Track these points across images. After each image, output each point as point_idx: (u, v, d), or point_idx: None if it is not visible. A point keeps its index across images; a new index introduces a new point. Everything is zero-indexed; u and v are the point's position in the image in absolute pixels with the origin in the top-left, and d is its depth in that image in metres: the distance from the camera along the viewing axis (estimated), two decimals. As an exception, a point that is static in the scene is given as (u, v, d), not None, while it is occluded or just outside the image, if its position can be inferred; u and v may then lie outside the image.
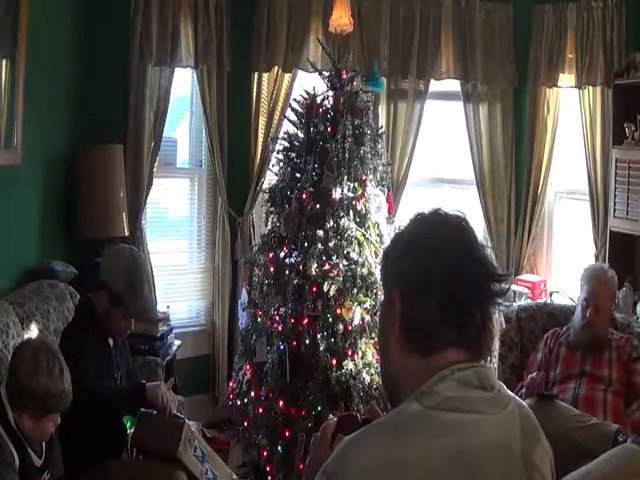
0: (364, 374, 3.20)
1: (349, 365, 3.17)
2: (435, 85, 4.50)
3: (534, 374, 3.10)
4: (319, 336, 3.20)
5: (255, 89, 4.37)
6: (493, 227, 4.54)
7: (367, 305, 3.27)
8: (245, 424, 3.39)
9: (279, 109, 4.35)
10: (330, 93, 3.49)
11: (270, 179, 4.09)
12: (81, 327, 2.63)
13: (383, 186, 3.58)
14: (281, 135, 3.79)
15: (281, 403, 3.21)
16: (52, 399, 2.07)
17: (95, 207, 3.74)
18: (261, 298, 3.45)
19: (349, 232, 3.28)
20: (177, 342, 4.05)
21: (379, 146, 3.60)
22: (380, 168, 3.56)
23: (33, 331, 2.80)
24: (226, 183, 4.37)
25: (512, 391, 1.16)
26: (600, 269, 3.34)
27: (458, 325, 1.07)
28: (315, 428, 2.60)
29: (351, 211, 3.33)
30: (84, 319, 2.66)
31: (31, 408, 2.06)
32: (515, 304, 3.87)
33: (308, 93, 3.51)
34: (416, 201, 4.58)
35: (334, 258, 3.26)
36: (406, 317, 1.09)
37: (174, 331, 4.05)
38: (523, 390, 3.09)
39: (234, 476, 2.86)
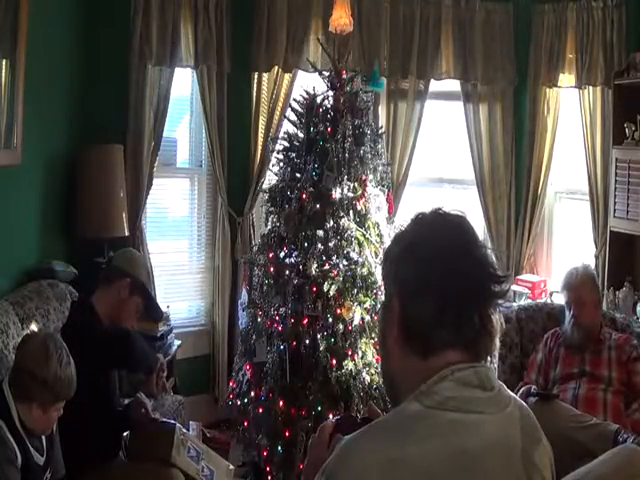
0: (364, 374, 3.20)
1: (349, 365, 3.17)
2: (435, 85, 4.50)
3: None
4: (319, 336, 3.20)
5: (255, 89, 4.36)
6: (493, 227, 4.55)
7: (367, 305, 3.27)
8: (245, 424, 3.39)
9: (279, 109, 4.34)
10: (330, 93, 3.48)
11: (270, 179, 4.08)
12: (83, 326, 2.63)
13: (383, 186, 3.57)
14: (281, 135, 3.78)
15: (281, 403, 3.21)
16: (62, 385, 2.12)
17: (95, 207, 3.73)
18: (261, 298, 3.44)
19: (349, 232, 3.27)
20: (177, 342, 4.05)
21: (379, 146, 3.59)
22: (380, 168, 3.56)
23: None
24: (226, 183, 4.37)
25: (512, 391, 1.16)
26: (573, 267, 3.36)
27: (456, 326, 1.07)
28: (315, 428, 2.60)
29: (351, 211, 3.33)
30: (84, 318, 2.65)
31: (41, 397, 2.09)
32: (515, 304, 3.87)
33: (308, 93, 3.51)
34: (416, 201, 4.58)
35: (334, 258, 3.26)
36: (405, 318, 1.09)
37: (174, 331, 4.05)
38: (523, 389, 3.10)
39: (231, 467, 2.91)
